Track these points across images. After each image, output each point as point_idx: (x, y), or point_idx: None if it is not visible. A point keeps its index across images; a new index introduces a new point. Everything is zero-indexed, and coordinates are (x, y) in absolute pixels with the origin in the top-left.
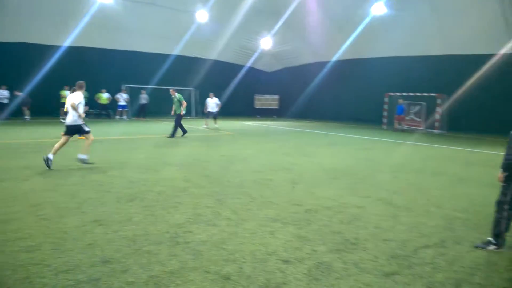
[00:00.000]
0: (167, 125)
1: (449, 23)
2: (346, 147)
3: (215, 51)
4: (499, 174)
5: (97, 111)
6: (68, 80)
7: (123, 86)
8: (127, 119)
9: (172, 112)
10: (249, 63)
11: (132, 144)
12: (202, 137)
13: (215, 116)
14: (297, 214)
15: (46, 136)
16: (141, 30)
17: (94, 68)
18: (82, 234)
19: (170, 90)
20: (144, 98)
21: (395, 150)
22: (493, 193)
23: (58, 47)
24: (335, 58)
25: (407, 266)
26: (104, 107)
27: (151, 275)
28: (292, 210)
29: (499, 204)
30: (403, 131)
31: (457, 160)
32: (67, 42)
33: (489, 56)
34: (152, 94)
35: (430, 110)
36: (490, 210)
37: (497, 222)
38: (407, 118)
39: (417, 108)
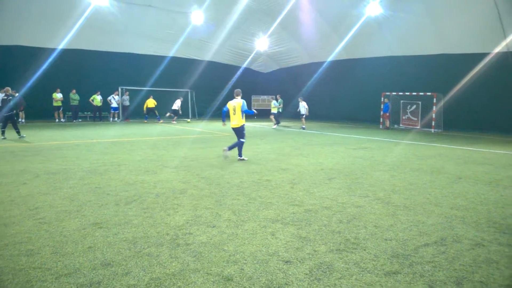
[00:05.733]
0: (163, 127)
1: (443, 23)
2: (343, 147)
3: (211, 52)
4: None
5: (91, 114)
6: (62, 82)
7: (119, 88)
8: (119, 121)
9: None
10: (245, 64)
11: (129, 146)
12: (200, 139)
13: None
14: (297, 215)
15: (43, 140)
16: (136, 31)
17: (89, 70)
18: (82, 237)
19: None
20: (126, 100)
21: (392, 149)
22: (491, 191)
23: (52, 49)
24: (330, 58)
25: (408, 265)
26: (98, 109)
27: (152, 277)
28: (291, 211)
29: None
30: (387, 128)
31: (454, 159)
32: (62, 44)
33: (484, 55)
34: (147, 96)
35: (426, 109)
36: (488, 208)
37: None
38: (404, 117)
39: (413, 107)
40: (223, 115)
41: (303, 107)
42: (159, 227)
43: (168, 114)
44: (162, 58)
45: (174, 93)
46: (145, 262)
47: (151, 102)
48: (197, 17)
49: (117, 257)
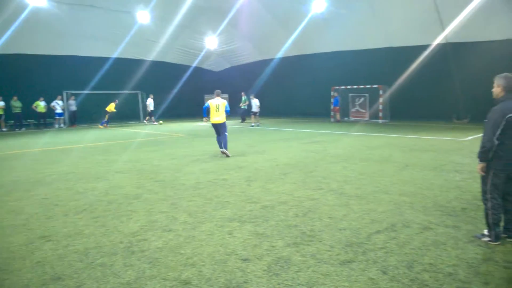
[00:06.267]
0: (113, 131)
1: (386, 17)
2: (297, 142)
3: (159, 52)
4: (478, 165)
5: (35, 121)
6: (2, 89)
7: (64, 93)
8: (64, 127)
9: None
10: (195, 63)
11: (78, 153)
12: (152, 141)
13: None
14: (254, 212)
15: None
16: (79, 33)
17: (30, 75)
18: (30, 252)
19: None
20: (73, 105)
21: (343, 141)
22: (436, 176)
23: None
24: (280, 55)
25: (362, 252)
26: (42, 116)
27: None
28: (248, 208)
29: (482, 194)
30: (338, 121)
31: (401, 147)
32: None
33: (425, 47)
34: (94, 99)
35: (374, 101)
36: (434, 193)
37: (485, 214)
38: (353, 110)
39: (361, 99)
40: (204, 112)
41: (254, 104)
42: (112, 235)
43: (147, 118)
44: (107, 59)
45: (122, 95)
46: (98, 273)
47: (110, 107)
48: (143, 16)
49: (68, 270)
